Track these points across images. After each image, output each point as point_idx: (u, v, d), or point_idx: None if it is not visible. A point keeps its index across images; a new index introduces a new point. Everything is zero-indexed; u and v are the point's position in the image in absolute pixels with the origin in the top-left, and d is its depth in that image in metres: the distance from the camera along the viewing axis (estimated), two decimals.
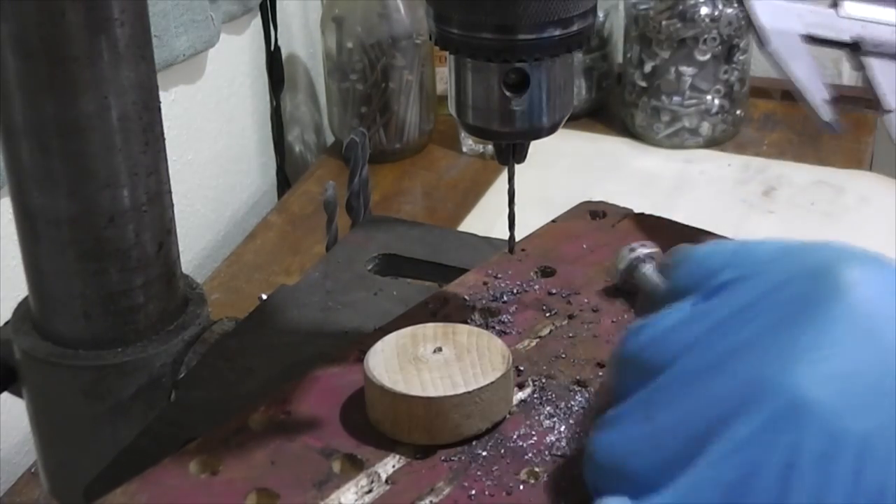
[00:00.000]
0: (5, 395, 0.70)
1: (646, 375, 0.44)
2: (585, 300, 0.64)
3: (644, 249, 0.62)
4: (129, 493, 0.51)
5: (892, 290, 0.41)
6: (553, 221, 0.73)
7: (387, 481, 0.51)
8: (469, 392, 0.52)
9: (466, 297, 0.64)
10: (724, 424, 0.40)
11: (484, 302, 0.64)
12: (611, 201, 0.75)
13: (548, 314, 0.63)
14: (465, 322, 0.61)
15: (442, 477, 0.51)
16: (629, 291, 0.63)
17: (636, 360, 0.45)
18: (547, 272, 0.67)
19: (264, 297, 0.73)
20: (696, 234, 0.71)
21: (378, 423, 0.54)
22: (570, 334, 0.61)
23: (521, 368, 0.58)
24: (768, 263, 0.44)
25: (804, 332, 0.40)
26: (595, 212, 0.74)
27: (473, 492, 0.50)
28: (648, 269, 0.61)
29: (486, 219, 1.23)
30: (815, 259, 0.42)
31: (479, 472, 0.51)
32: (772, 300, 0.42)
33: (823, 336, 0.39)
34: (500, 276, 0.67)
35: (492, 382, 0.53)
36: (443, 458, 0.52)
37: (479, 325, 0.61)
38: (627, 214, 0.73)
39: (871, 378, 0.39)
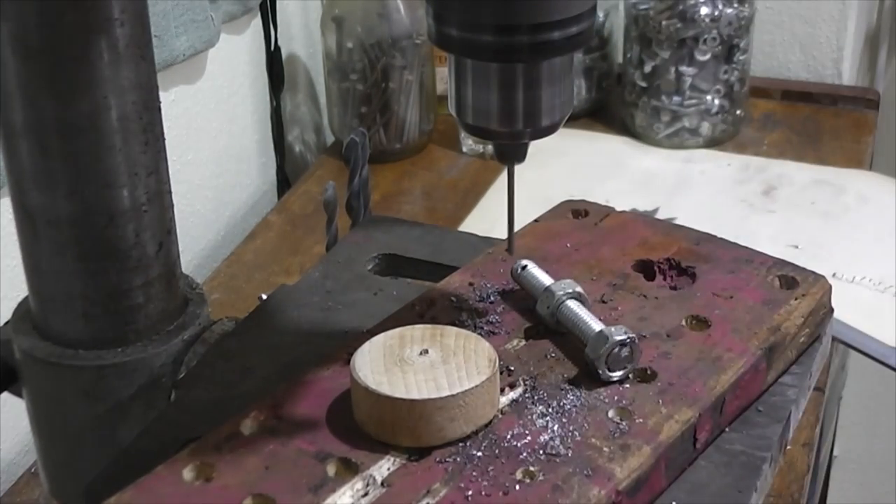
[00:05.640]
0: (5, 395, 0.70)
1: None
2: None
3: (562, 289, 0.62)
4: (123, 502, 0.51)
5: None
6: (536, 221, 0.73)
7: (382, 484, 0.51)
8: (453, 395, 0.52)
9: (454, 298, 0.64)
10: None
11: (471, 302, 0.64)
12: (611, 201, 0.75)
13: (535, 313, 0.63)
14: (453, 323, 0.61)
15: (438, 478, 0.51)
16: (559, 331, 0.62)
17: None
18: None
19: (264, 297, 0.73)
20: (674, 230, 0.71)
21: (363, 424, 0.54)
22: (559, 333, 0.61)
23: (512, 368, 0.58)
24: None
25: None
26: (577, 210, 0.74)
27: (470, 493, 0.50)
28: (535, 269, 0.63)
29: (486, 219, 1.23)
30: None
31: (474, 473, 0.51)
32: None
33: None
34: (485, 276, 0.67)
35: (476, 386, 0.53)
36: (438, 459, 0.52)
37: (468, 326, 0.61)
38: (609, 213, 0.73)
39: None
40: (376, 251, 0.76)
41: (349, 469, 0.52)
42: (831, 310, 0.67)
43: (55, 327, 0.66)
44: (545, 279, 0.63)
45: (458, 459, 0.52)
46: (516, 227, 0.61)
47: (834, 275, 1.11)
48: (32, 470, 0.95)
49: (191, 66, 1.21)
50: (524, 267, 0.64)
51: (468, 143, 1.41)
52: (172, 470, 0.52)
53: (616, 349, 0.57)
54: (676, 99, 1.36)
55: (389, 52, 1.34)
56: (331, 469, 0.52)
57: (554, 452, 0.53)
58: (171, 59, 1.14)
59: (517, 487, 0.51)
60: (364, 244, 0.77)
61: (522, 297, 0.64)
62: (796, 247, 1.17)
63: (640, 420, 0.55)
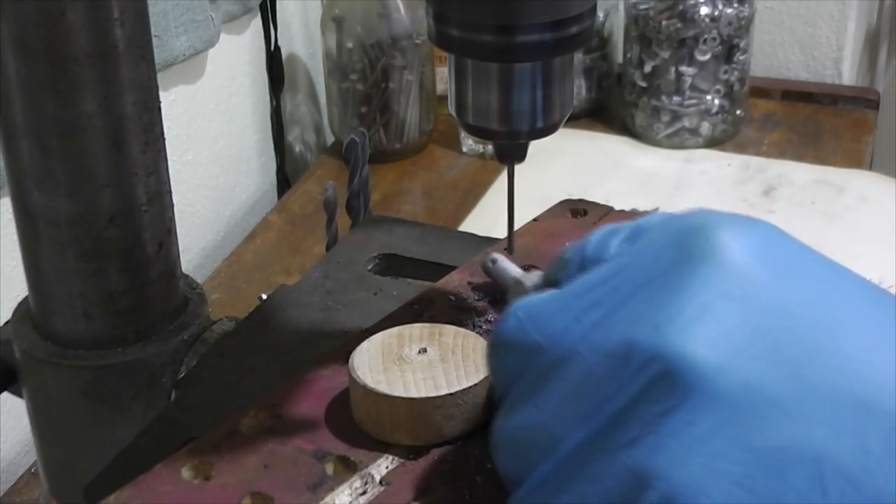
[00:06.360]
0: (5, 395, 0.70)
1: (525, 357, 0.43)
2: None
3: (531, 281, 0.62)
4: (122, 500, 0.51)
5: (764, 249, 0.41)
6: (535, 220, 0.73)
7: (381, 482, 0.51)
8: (451, 394, 0.52)
9: (452, 297, 0.64)
10: (602, 402, 0.39)
11: (470, 301, 0.64)
12: (611, 201, 0.75)
13: None
14: (452, 322, 0.61)
15: (436, 477, 0.51)
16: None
17: (513, 342, 0.44)
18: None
19: (264, 297, 0.73)
20: None
21: (361, 422, 0.54)
22: None
23: None
24: (641, 233, 0.44)
25: (676, 297, 0.39)
26: (576, 210, 0.73)
27: (468, 491, 0.50)
28: (505, 263, 0.63)
29: (486, 219, 1.24)
30: (686, 223, 0.43)
31: (473, 472, 0.51)
32: (640, 266, 0.42)
33: (695, 300, 0.39)
34: (484, 275, 0.67)
35: (475, 385, 0.53)
36: (436, 457, 0.52)
37: (466, 325, 0.61)
38: (608, 212, 0.73)
39: (743, 340, 0.38)
40: (376, 251, 0.76)
41: (348, 468, 0.52)
42: None
43: (55, 327, 0.66)
44: (515, 271, 0.63)
45: (457, 458, 0.52)
46: (516, 227, 0.61)
47: None
48: (32, 470, 0.95)
49: (191, 66, 1.21)
50: (494, 261, 0.64)
51: (468, 143, 1.41)
52: (171, 468, 0.52)
53: None
54: (676, 99, 1.36)
55: (389, 52, 1.34)
56: (329, 468, 0.52)
57: None
58: (171, 59, 1.14)
59: None
60: (364, 244, 0.77)
61: None
62: None
63: None
